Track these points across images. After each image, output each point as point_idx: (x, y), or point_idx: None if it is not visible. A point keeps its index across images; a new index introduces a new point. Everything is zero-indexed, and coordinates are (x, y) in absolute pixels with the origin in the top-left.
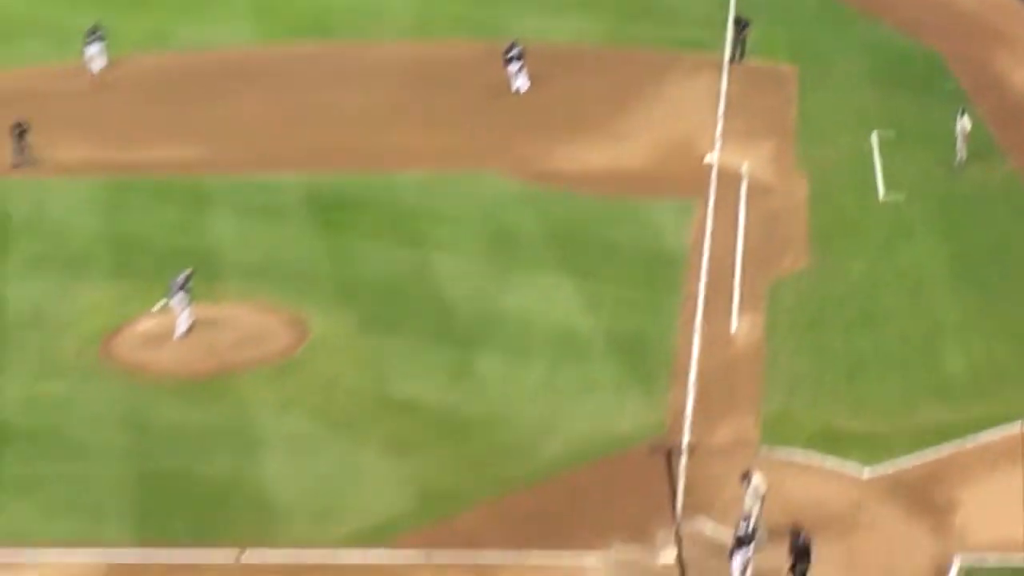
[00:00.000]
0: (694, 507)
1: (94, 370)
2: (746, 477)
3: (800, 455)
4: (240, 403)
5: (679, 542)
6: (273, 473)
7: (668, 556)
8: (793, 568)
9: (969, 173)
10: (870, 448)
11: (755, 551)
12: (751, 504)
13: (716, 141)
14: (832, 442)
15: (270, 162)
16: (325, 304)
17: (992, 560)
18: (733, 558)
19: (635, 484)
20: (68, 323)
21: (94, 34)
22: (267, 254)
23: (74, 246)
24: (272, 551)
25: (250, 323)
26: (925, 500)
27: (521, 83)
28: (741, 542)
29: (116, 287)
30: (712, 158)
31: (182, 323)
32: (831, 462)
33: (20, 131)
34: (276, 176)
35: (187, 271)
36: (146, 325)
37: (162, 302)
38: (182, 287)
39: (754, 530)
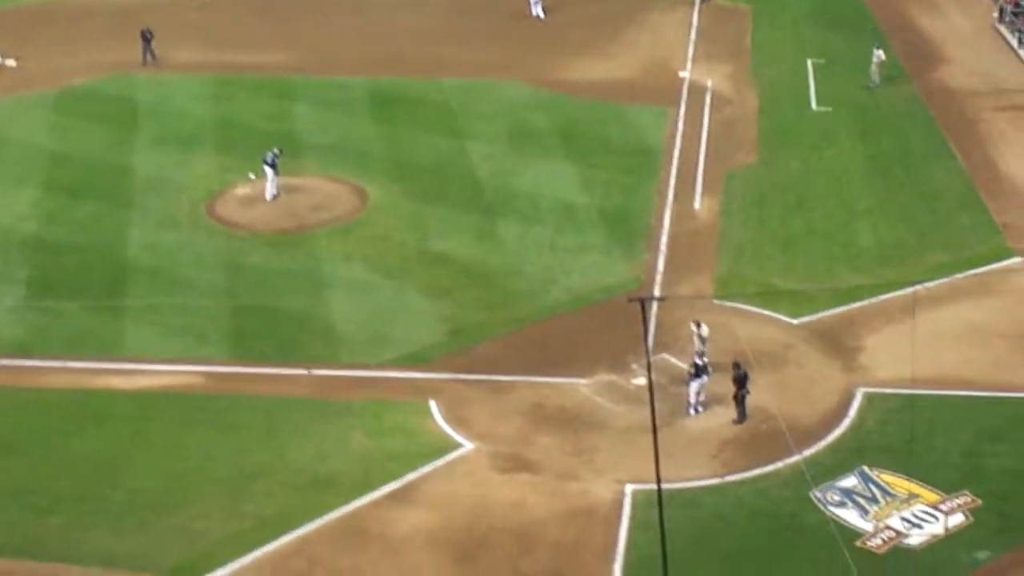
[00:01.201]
0: (661, 345)
1: (201, 224)
2: (696, 325)
3: (743, 306)
4: (313, 253)
5: (649, 371)
6: (337, 308)
7: (640, 381)
8: (736, 393)
9: (882, 93)
10: (798, 302)
11: (706, 380)
12: (701, 345)
13: (688, 61)
14: (768, 297)
15: (342, 67)
16: (382, 178)
17: (886, 391)
18: (690, 384)
19: (616, 325)
20: (182, 187)
21: None
22: (338, 138)
23: (188, 127)
24: (336, 370)
25: (323, 191)
26: (838, 344)
27: (538, 12)
28: (696, 373)
29: (220, 160)
30: (684, 74)
31: (271, 189)
32: (767, 312)
33: (146, 37)
34: (347, 78)
35: (276, 149)
36: (243, 190)
37: (253, 174)
38: (272, 161)
39: (705, 364)
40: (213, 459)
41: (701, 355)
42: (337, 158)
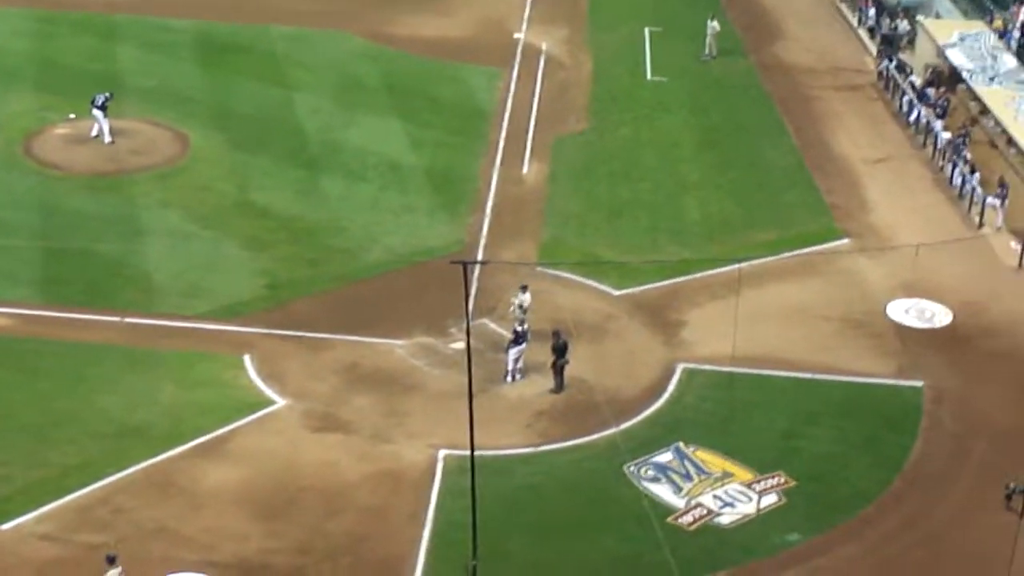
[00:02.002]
0: (481, 310)
1: (17, 164)
2: (518, 291)
3: (567, 274)
4: (131, 199)
5: (467, 335)
6: (153, 257)
7: (458, 345)
8: (555, 363)
9: (718, 65)
10: (622, 274)
11: (524, 348)
12: (522, 312)
13: (523, 23)
14: (592, 266)
15: (169, 8)
16: (205, 126)
17: (706, 368)
18: (508, 352)
19: (436, 288)
20: None
21: None
22: (162, 81)
23: (7, 63)
24: (149, 319)
25: (144, 135)
26: (660, 318)
27: None
28: (515, 340)
29: (40, 98)
30: (519, 36)
31: (94, 131)
32: (590, 282)
33: None
34: (173, 20)
35: (108, 93)
36: (62, 130)
37: (74, 114)
38: (103, 104)
39: (525, 332)
40: (18, 404)
41: (522, 322)
42: (160, 102)
